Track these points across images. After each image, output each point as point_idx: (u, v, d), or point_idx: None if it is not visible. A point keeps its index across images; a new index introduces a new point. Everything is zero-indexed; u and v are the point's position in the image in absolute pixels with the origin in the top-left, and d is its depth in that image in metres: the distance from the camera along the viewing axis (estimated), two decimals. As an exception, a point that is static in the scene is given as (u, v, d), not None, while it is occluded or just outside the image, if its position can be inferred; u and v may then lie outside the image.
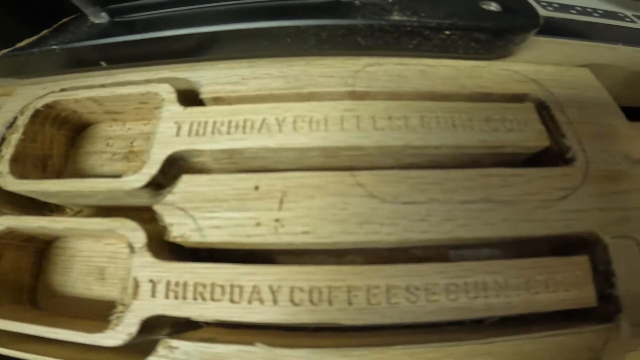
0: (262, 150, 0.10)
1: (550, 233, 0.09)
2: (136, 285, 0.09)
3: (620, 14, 0.17)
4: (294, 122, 0.10)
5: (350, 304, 0.09)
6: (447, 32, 0.11)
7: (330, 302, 0.09)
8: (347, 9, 0.11)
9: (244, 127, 0.11)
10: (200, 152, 0.11)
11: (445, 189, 0.09)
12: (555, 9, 0.16)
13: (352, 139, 0.10)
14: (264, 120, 0.11)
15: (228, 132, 0.10)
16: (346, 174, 0.10)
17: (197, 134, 0.11)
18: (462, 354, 0.08)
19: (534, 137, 0.10)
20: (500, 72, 0.11)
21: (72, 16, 0.13)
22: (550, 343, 0.09)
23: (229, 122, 0.11)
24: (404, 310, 0.09)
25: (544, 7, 0.16)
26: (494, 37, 0.11)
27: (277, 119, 0.11)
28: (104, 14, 0.12)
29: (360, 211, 0.09)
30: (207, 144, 0.10)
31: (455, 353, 0.08)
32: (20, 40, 0.12)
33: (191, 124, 0.11)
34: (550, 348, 0.09)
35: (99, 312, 0.10)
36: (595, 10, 0.17)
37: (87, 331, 0.09)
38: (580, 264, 0.09)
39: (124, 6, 0.12)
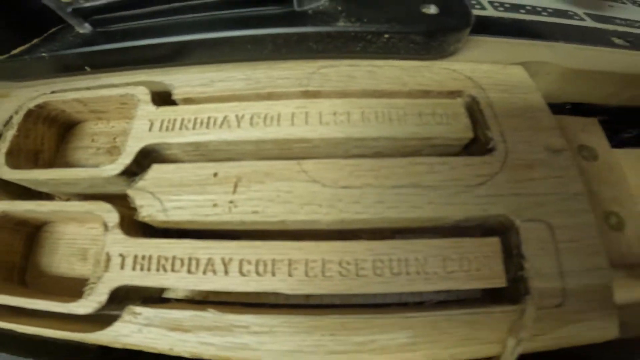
0: (223, 143, 0.12)
1: (469, 216, 0.10)
2: (108, 259, 0.10)
3: (570, 12, 0.18)
4: (251, 118, 0.12)
5: (290, 275, 0.10)
6: (386, 36, 0.12)
7: (273, 274, 0.10)
8: (300, 18, 0.13)
9: (208, 123, 0.12)
10: (169, 145, 0.12)
11: (379, 175, 0.11)
12: (506, 9, 0.18)
13: (299, 133, 0.11)
14: (225, 117, 0.12)
15: (194, 128, 0.12)
16: (293, 162, 0.11)
17: (167, 129, 0.12)
18: (385, 326, 0.10)
19: (460, 129, 0.11)
20: (440, 71, 0.13)
21: (60, 26, 0.15)
22: (463, 321, 0.10)
23: (195, 119, 0.12)
24: (337, 283, 0.10)
25: (495, 7, 0.18)
26: (428, 39, 0.12)
27: (236, 116, 0.12)
28: (87, 25, 0.14)
29: (303, 194, 0.11)
30: (175, 138, 0.12)
31: (380, 324, 0.10)
32: (14, 48, 0.14)
33: (162, 121, 0.12)
34: (463, 326, 0.10)
35: (81, 290, 0.12)
36: (545, 9, 0.18)
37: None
38: (491, 245, 0.10)
39: (105, 17, 0.14)
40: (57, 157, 0.14)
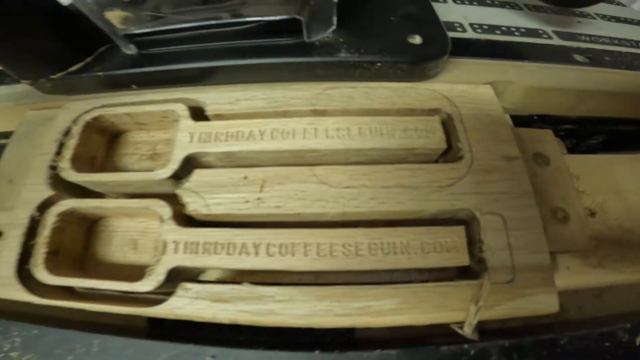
0: (249, 152, 0.15)
1: (441, 209, 0.13)
2: (164, 245, 0.14)
3: (540, 31, 0.21)
4: (271, 133, 0.15)
5: (305, 255, 0.13)
6: (379, 64, 0.15)
7: (292, 254, 0.13)
8: (309, 48, 0.15)
9: (237, 136, 0.15)
10: (206, 154, 0.15)
11: (372, 178, 0.14)
12: (484, 31, 0.20)
13: (310, 145, 0.14)
14: (250, 131, 0.15)
15: (225, 140, 0.15)
16: (306, 168, 0.14)
17: (204, 141, 0.15)
18: (379, 295, 0.13)
19: (436, 142, 0.14)
20: (422, 92, 0.16)
21: (107, 45, 0.17)
22: (438, 292, 0.13)
23: (226, 133, 0.15)
24: (341, 261, 0.13)
25: (474, 29, 0.20)
26: (412, 66, 0.15)
27: (259, 131, 0.15)
28: (132, 46, 0.17)
29: (314, 193, 0.14)
30: (211, 148, 0.15)
31: (374, 294, 0.13)
32: (69, 65, 0.16)
33: (200, 134, 0.15)
34: (437, 296, 0.13)
35: (133, 275, 0.15)
36: (518, 29, 0.21)
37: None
38: (458, 232, 0.13)
39: (149, 40, 0.16)
40: (107, 162, 0.17)
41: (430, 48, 0.15)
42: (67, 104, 0.17)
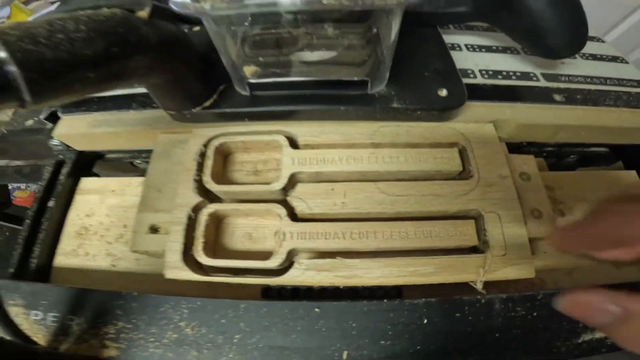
0: (332, 172, 0.24)
1: (459, 210, 0.23)
2: (284, 234, 0.23)
3: (532, 74, 0.30)
4: (347, 159, 0.24)
5: (375, 238, 0.22)
6: (418, 112, 0.24)
7: (367, 238, 0.23)
8: (370, 98, 0.24)
9: (323, 161, 0.24)
10: (302, 172, 0.24)
11: (415, 190, 0.23)
12: (490, 76, 0.29)
13: (373, 168, 0.24)
14: (332, 158, 0.24)
15: (316, 163, 0.24)
16: (372, 183, 0.24)
17: (301, 164, 0.24)
18: (423, 263, 0.22)
19: (455, 166, 0.24)
20: (446, 130, 0.25)
21: (225, 85, 0.26)
22: (459, 261, 0.22)
23: (316, 158, 0.24)
24: (397, 242, 0.22)
25: (482, 75, 0.29)
26: (440, 112, 0.24)
27: (339, 157, 0.24)
28: (247, 89, 0.25)
29: (378, 199, 0.23)
30: (306, 169, 0.24)
31: (420, 262, 0.22)
32: (201, 101, 0.25)
33: (298, 159, 0.24)
34: (459, 263, 0.22)
35: (252, 257, 0.24)
36: (515, 73, 0.30)
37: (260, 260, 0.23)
38: (470, 224, 0.23)
39: (258, 84, 0.25)
40: (224, 176, 0.26)
41: (453, 99, 0.24)
42: (195, 131, 0.26)
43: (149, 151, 0.29)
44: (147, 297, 0.23)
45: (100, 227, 0.29)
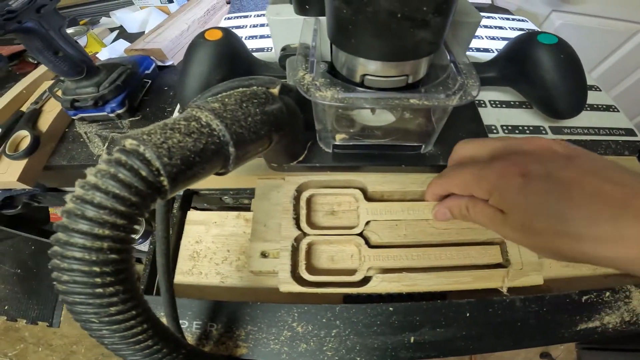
0: (394, 219, 0.38)
1: (488, 238, 0.37)
2: (364, 257, 0.37)
3: (541, 127, 0.44)
4: (407, 210, 0.38)
5: (428, 258, 0.37)
6: (458, 168, 0.38)
7: (422, 258, 0.37)
8: (422, 157, 0.39)
9: (389, 212, 0.38)
10: (374, 220, 0.38)
11: (456, 225, 0.37)
12: (509, 131, 0.43)
13: (425, 210, 0.38)
14: (397, 209, 0.38)
15: (385, 213, 0.38)
16: (425, 221, 0.38)
17: (374, 213, 0.38)
18: (462, 275, 0.36)
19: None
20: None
21: (312, 142, 0.40)
22: (489, 273, 0.36)
23: (384, 209, 0.38)
24: (445, 260, 0.36)
25: (503, 130, 0.43)
26: None
27: (401, 209, 0.38)
28: (331, 148, 0.39)
29: (430, 232, 0.37)
30: (374, 217, 0.38)
31: (460, 274, 0.36)
32: (298, 157, 0.39)
33: (371, 210, 0.38)
34: (489, 275, 0.36)
35: (336, 274, 0.38)
36: (528, 127, 0.44)
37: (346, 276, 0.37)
38: (496, 247, 0.37)
39: (340, 144, 0.39)
40: (309, 215, 0.40)
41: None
42: (288, 179, 0.40)
43: (238, 189, 0.43)
44: (267, 305, 0.37)
45: (208, 251, 0.43)
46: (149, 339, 0.24)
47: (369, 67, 0.30)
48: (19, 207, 0.70)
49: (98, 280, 0.20)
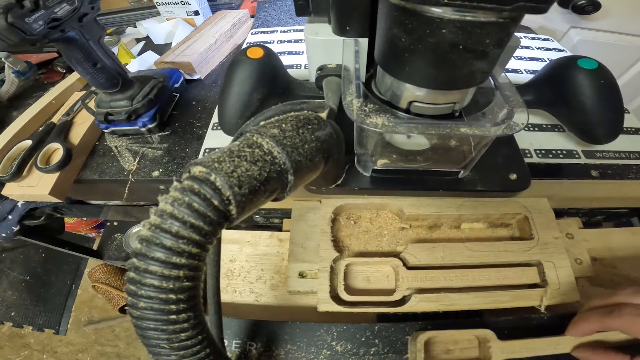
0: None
1: (525, 260, 0.38)
2: (400, 277, 0.37)
3: (574, 152, 0.45)
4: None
5: (467, 279, 0.37)
6: (495, 192, 0.39)
7: (460, 279, 0.37)
8: (460, 182, 0.39)
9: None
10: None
11: (494, 248, 0.38)
12: (543, 155, 0.44)
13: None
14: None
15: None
16: (461, 243, 0.38)
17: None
18: (501, 294, 0.37)
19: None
20: (514, 204, 0.40)
21: (349, 165, 0.40)
22: (525, 292, 0.37)
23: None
24: (484, 281, 0.37)
25: (537, 155, 0.44)
26: (510, 192, 0.39)
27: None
28: (369, 171, 0.40)
29: (466, 254, 0.38)
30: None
31: (499, 293, 0.37)
32: (336, 181, 0.40)
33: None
34: (527, 294, 0.37)
35: (372, 294, 0.38)
36: (561, 151, 0.45)
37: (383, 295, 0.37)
38: (533, 269, 0.38)
39: (379, 169, 0.39)
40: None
41: (521, 182, 0.39)
42: (324, 201, 0.41)
43: (270, 209, 0.43)
44: (307, 324, 0.37)
45: (242, 270, 0.44)
46: (210, 363, 0.25)
47: (418, 94, 0.31)
48: (42, 218, 0.70)
49: (173, 307, 0.21)
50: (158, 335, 0.22)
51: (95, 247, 1.09)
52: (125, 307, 0.26)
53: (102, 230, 1.16)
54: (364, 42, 0.40)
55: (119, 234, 1.12)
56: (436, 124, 0.30)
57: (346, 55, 0.39)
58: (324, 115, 0.32)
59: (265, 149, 0.25)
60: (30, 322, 1.36)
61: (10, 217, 0.67)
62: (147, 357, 1.32)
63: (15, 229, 0.68)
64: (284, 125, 0.28)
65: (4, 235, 0.70)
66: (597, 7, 0.68)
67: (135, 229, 1.03)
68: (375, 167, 0.39)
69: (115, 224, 1.14)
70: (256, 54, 0.40)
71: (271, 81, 0.41)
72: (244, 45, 0.70)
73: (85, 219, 1.21)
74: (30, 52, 0.74)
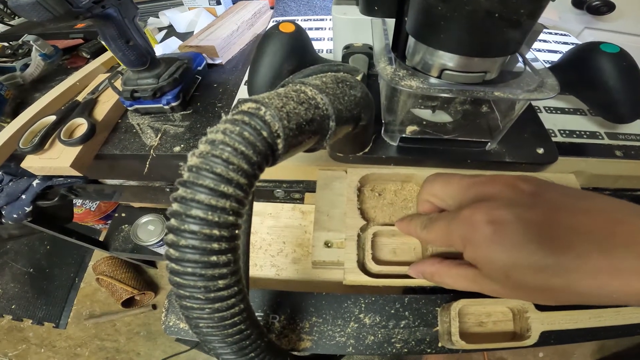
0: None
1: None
2: (429, 249, 0.37)
3: (597, 133, 0.45)
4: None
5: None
6: (523, 165, 0.39)
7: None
8: (488, 153, 0.39)
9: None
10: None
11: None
12: (567, 135, 0.44)
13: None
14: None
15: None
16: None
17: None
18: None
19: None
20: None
21: (375, 135, 0.40)
22: None
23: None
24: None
25: (561, 134, 0.44)
26: (538, 165, 0.39)
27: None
28: (397, 141, 0.40)
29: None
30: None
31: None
32: (364, 148, 0.39)
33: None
34: None
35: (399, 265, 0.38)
36: (585, 132, 0.45)
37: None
38: None
39: (406, 138, 0.39)
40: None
41: (548, 156, 0.39)
42: (351, 170, 0.41)
43: (292, 182, 0.43)
44: (334, 296, 0.36)
45: (263, 242, 0.43)
46: (243, 323, 0.23)
47: (450, 63, 0.31)
48: (56, 199, 0.70)
49: (215, 246, 0.20)
50: (195, 282, 0.20)
51: (101, 238, 1.09)
52: (164, 250, 0.24)
53: (109, 221, 1.15)
54: (391, 22, 0.41)
55: (126, 225, 1.12)
56: (470, 88, 0.31)
57: (375, 33, 0.40)
58: (358, 77, 0.32)
59: (309, 95, 0.25)
60: (30, 316, 1.34)
61: (24, 196, 0.67)
62: (146, 353, 1.29)
63: (28, 209, 0.68)
64: (324, 79, 0.28)
65: (15, 216, 0.69)
66: (611, 8, 0.69)
67: (144, 219, 1.02)
68: (403, 136, 0.39)
69: (124, 215, 1.14)
70: (288, 28, 0.41)
71: (301, 55, 0.42)
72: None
73: (93, 209, 1.20)
74: (62, 30, 0.74)
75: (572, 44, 0.65)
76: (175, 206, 0.20)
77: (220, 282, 0.21)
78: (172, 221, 0.20)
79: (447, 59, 0.31)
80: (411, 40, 0.35)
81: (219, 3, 0.75)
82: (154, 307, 1.37)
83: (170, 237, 0.20)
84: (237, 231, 0.22)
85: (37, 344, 1.34)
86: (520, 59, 0.35)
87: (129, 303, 1.31)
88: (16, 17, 1.01)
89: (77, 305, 1.39)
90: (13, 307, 1.36)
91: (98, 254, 1.43)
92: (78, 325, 1.35)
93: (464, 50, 0.30)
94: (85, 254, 1.44)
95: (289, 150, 0.24)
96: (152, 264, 1.38)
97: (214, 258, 0.20)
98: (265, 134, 0.21)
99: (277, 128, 0.22)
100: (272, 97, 0.23)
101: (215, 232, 0.20)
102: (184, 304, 0.22)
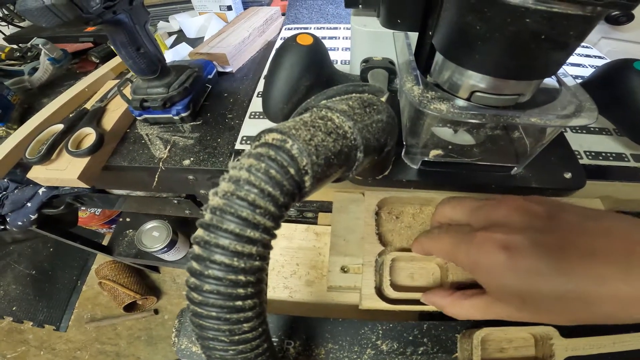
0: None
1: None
2: (449, 274, 0.35)
3: (624, 155, 0.43)
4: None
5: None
6: (550, 191, 0.37)
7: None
8: (513, 178, 0.37)
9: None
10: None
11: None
12: (593, 157, 0.42)
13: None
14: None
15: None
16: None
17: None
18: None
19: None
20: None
21: (394, 156, 0.39)
22: None
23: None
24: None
25: (587, 156, 0.42)
26: (567, 191, 0.37)
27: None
28: (419, 164, 0.38)
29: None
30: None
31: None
32: (383, 173, 0.38)
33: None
34: None
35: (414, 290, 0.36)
36: (611, 154, 0.43)
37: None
38: None
39: (428, 161, 0.38)
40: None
41: (576, 181, 0.37)
42: (368, 193, 0.39)
43: (306, 202, 0.41)
44: (350, 322, 0.35)
45: (276, 264, 0.42)
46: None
47: (482, 84, 0.30)
48: (62, 207, 0.68)
49: (241, 291, 0.19)
50: (219, 325, 0.19)
51: (105, 242, 1.08)
52: (185, 293, 0.24)
53: (113, 225, 1.14)
54: (414, 35, 0.39)
55: (130, 230, 1.10)
56: (504, 113, 0.29)
57: (398, 47, 0.38)
58: (384, 99, 0.31)
59: (336, 123, 0.24)
60: (31, 318, 1.33)
61: (29, 204, 0.66)
62: (146, 357, 1.28)
63: (33, 217, 0.67)
64: (350, 103, 0.26)
65: (20, 223, 0.68)
66: (630, 18, 0.68)
67: (149, 225, 1.01)
68: (425, 159, 0.37)
69: (128, 220, 1.12)
70: (306, 40, 0.39)
71: (319, 69, 0.40)
72: (279, 40, 0.70)
73: (98, 213, 1.19)
74: (72, 33, 0.73)
75: (596, 56, 0.63)
76: (197, 249, 0.19)
77: (245, 326, 0.20)
78: (194, 264, 0.19)
79: (479, 80, 0.30)
80: (438, 57, 0.34)
81: (229, 8, 0.73)
82: (156, 311, 1.36)
83: (193, 280, 0.19)
84: (264, 274, 0.21)
85: (37, 346, 1.33)
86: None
87: (130, 307, 1.30)
88: (25, 19, 1.00)
89: (78, 309, 1.38)
90: (14, 309, 1.35)
91: (101, 257, 1.42)
92: (79, 329, 1.34)
93: (500, 72, 0.28)
94: (88, 257, 1.43)
95: (316, 187, 0.22)
96: (156, 269, 1.37)
97: (239, 303, 0.19)
98: (292, 171, 0.20)
99: (305, 164, 0.20)
100: (298, 127, 0.22)
101: (241, 277, 0.19)
102: (207, 344, 0.20)
